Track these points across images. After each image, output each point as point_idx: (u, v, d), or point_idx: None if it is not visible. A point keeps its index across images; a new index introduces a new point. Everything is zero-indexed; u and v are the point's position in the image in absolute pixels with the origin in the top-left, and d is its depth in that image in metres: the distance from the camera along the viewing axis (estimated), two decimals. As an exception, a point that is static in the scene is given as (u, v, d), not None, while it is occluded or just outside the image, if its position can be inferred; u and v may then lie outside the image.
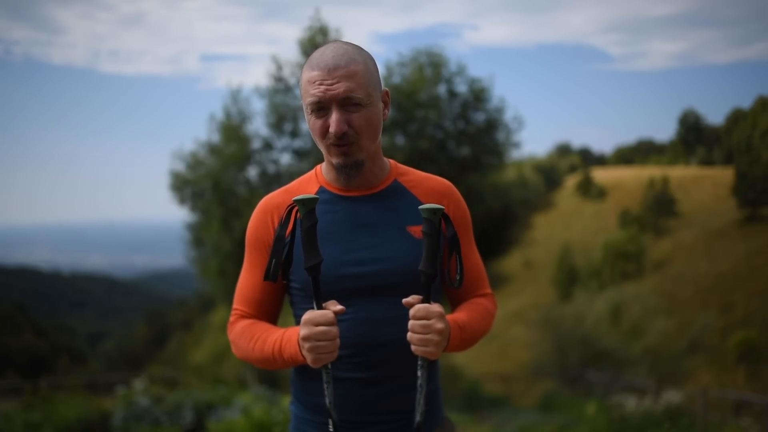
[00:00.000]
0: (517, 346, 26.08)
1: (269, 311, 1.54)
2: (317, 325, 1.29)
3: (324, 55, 1.38)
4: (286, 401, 6.81)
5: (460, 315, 1.47)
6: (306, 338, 1.30)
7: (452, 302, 1.61)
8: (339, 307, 1.32)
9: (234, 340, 1.52)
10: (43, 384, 11.58)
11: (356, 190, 1.49)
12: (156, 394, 7.10)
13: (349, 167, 1.41)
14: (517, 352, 25.63)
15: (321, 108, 1.37)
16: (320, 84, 1.35)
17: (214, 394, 7.40)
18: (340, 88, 1.35)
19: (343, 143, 1.38)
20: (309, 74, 1.38)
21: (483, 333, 1.52)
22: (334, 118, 1.36)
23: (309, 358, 1.31)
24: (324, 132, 1.38)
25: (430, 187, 1.53)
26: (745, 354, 20.04)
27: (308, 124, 1.43)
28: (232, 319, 1.55)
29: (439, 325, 1.32)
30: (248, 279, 1.53)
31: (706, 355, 21.22)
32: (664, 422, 6.73)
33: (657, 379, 14.96)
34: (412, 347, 1.33)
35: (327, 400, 1.36)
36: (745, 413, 9.90)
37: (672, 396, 8.61)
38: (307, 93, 1.38)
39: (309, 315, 1.31)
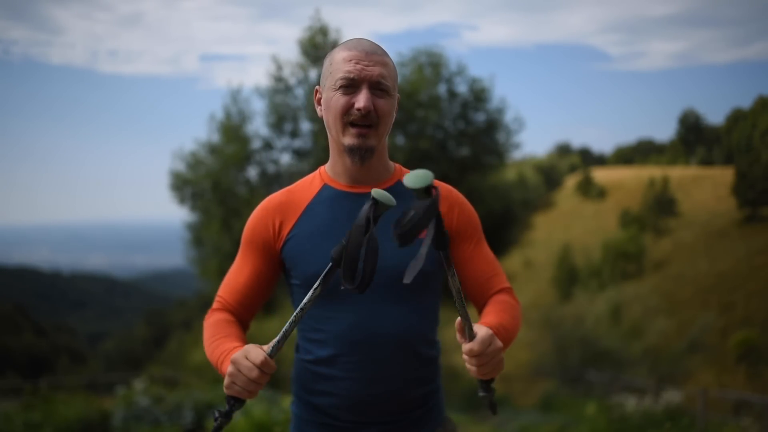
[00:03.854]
0: (517, 346, 25.94)
1: (251, 304, 1.55)
2: (248, 358, 1.27)
3: (361, 41, 1.45)
4: (286, 401, 6.81)
5: (491, 319, 1.43)
6: (233, 361, 1.29)
7: (474, 300, 1.57)
8: (272, 364, 1.28)
9: (204, 331, 1.52)
10: (43, 384, 11.56)
11: (359, 187, 1.49)
12: (156, 394, 7.11)
13: (363, 150, 1.43)
14: (517, 352, 25.59)
15: (351, 85, 1.40)
16: (357, 63, 1.40)
17: (214, 394, 7.40)
18: (375, 70, 1.40)
19: (365, 123, 1.41)
20: (344, 54, 1.42)
21: (516, 330, 1.50)
22: (363, 95, 1.39)
23: (225, 380, 1.30)
24: (347, 109, 1.41)
25: None
26: (745, 354, 20.04)
27: (327, 103, 1.45)
28: (214, 306, 1.57)
29: (498, 343, 1.30)
30: (237, 272, 1.54)
31: (706, 355, 21.22)
32: (664, 422, 6.73)
33: (657, 379, 14.96)
34: (482, 373, 1.29)
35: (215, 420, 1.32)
36: (745, 413, 9.90)
37: (672, 396, 8.62)
38: (339, 70, 1.41)
39: (250, 346, 1.29)
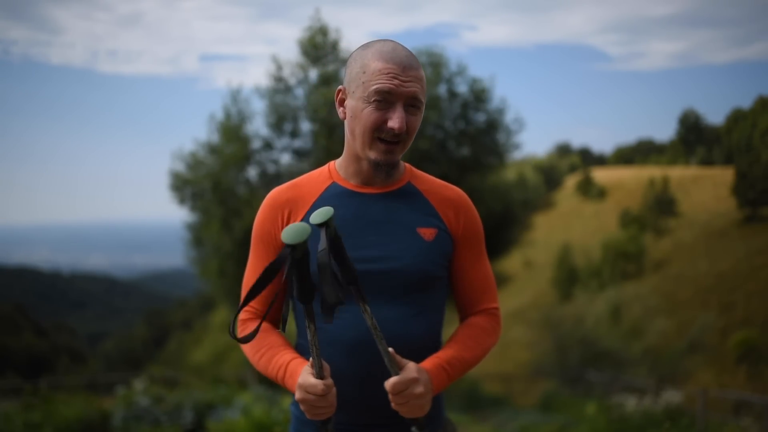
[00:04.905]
0: (517, 346, 26.07)
1: (278, 304, 1.52)
2: (309, 393, 1.29)
3: (396, 51, 1.39)
4: (286, 401, 6.81)
5: (448, 351, 1.44)
6: (301, 401, 1.31)
7: (459, 310, 1.58)
8: (329, 380, 1.30)
9: (243, 346, 1.51)
10: (43, 384, 11.54)
11: (370, 188, 1.47)
12: (156, 394, 7.10)
13: (388, 166, 1.42)
14: (517, 352, 25.62)
15: (385, 100, 1.36)
16: (394, 77, 1.35)
17: (214, 394, 7.39)
18: (412, 87, 1.37)
19: (394, 140, 1.39)
20: (380, 65, 1.37)
21: (479, 358, 1.49)
22: (398, 114, 1.36)
23: (307, 414, 1.32)
24: (379, 125, 1.37)
25: (444, 195, 1.51)
26: (745, 354, 20.03)
27: (355, 112, 1.40)
28: (242, 316, 1.53)
29: (418, 390, 1.30)
30: (254, 274, 1.51)
31: (706, 355, 21.21)
32: (664, 422, 6.73)
33: (657, 379, 14.96)
34: (399, 410, 1.32)
35: None
36: (745, 413, 9.90)
37: (672, 396, 8.61)
38: (374, 82, 1.36)
39: (302, 380, 1.30)
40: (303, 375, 1.31)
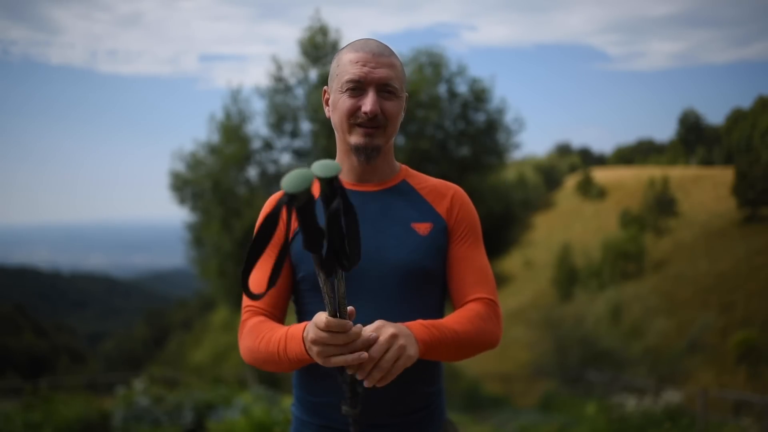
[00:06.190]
0: (517, 346, 26.07)
1: (281, 302, 1.48)
2: (323, 330, 1.18)
3: (368, 42, 1.45)
4: (286, 401, 6.81)
5: (445, 320, 1.38)
6: (314, 342, 1.21)
7: (452, 302, 1.53)
8: (350, 307, 1.22)
9: (242, 341, 1.46)
10: (43, 384, 11.56)
11: (365, 185, 1.50)
12: (156, 394, 7.10)
13: (369, 149, 1.44)
14: (517, 352, 25.63)
15: (357, 88, 1.41)
16: (363, 65, 1.40)
17: (214, 394, 7.39)
18: (381, 72, 1.41)
19: (372, 125, 1.42)
20: (351, 55, 1.43)
21: (471, 334, 1.39)
22: (369, 98, 1.40)
23: (319, 361, 1.24)
24: (354, 111, 1.41)
25: (439, 191, 1.53)
26: (745, 354, 20.03)
27: (333, 104, 1.46)
28: (244, 317, 1.49)
29: (401, 342, 1.23)
30: (257, 273, 1.47)
31: (706, 355, 21.22)
32: (664, 422, 6.74)
33: (657, 379, 14.98)
34: (388, 379, 1.24)
35: (344, 397, 1.29)
36: (745, 413, 9.90)
37: (672, 396, 8.62)
38: (346, 71, 1.42)
39: (317, 317, 1.20)
40: (316, 315, 1.22)
